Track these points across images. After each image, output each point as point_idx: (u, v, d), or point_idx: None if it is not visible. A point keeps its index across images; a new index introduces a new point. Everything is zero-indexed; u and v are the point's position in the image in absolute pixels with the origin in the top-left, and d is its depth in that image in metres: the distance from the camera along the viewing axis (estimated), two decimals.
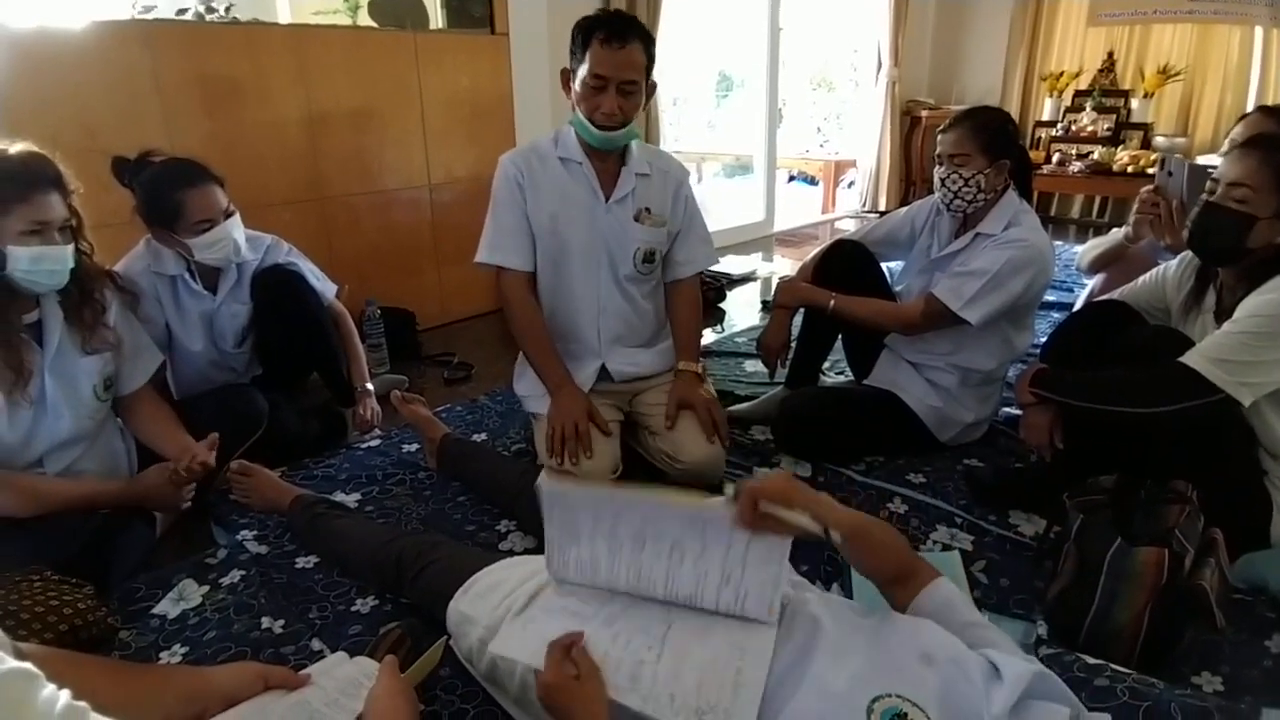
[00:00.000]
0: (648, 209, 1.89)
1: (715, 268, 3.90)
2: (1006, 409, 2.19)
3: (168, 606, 1.49)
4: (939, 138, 1.92)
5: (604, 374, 1.93)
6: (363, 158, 2.96)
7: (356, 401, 2.17)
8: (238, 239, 1.86)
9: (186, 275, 1.90)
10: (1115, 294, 1.82)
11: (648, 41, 1.72)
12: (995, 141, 1.84)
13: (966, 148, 1.84)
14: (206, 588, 1.55)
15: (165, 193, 1.77)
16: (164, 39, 2.42)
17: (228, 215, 1.84)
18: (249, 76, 2.59)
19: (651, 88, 1.82)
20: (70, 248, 1.49)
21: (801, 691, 0.84)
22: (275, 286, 2.01)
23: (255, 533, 1.73)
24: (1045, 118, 5.72)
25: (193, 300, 1.93)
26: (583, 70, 1.70)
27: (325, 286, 2.17)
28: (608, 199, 1.85)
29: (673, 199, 1.94)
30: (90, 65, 2.25)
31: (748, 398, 2.37)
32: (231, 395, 1.95)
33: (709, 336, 3.13)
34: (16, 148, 1.45)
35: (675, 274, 2.00)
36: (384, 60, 2.94)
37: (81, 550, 1.50)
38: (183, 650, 1.38)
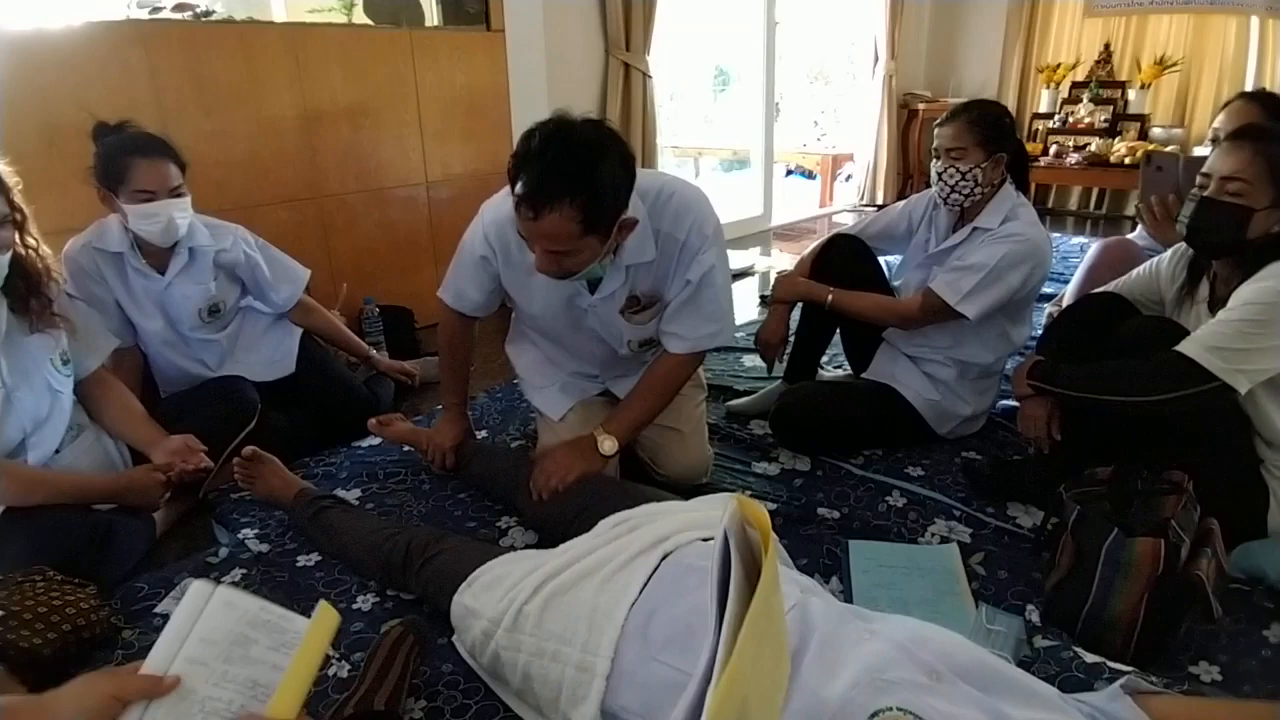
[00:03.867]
0: (637, 296, 1.65)
1: None
2: (1004, 401, 2.19)
3: (170, 606, 1.50)
4: (936, 131, 1.92)
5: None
6: (359, 156, 2.95)
7: (385, 371, 2.27)
8: (177, 220, 1.84)
9: (129, 252, 1.90)
10: (1110, 286, 1.83)
11: (588, 197, 1.32)
12: (992, 135, 1.84)
13: (963, 141, 1.84)
14: None
15: (118, 156, 1.79)
16: (160, 38, 2.41)
17: (174, 194, 1.83)
18: (245, 75, 2.59)
19: (626, 225, 1.45)
20: (4, 256, 1.49)
21: (790, 700, 0.82)
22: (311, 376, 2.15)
23: (257, 531, 1.74)
24: (1042, 110, 5.71)
25: (140, 279, 1.93)
26: None
27: (297, 275, 2.20)
28: (593, 292, 1.63)
29: (676, 274, 1.63)
30: (87, 65, 2.25)
31: (746, 392, 2.38)
32: (222, 387, 1.95)
33: None
34: None
35: (663, 342, 1.71)
36: (380, 58, 2.94)
37: (80, 546, 1.50)
38: None
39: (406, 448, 2.12)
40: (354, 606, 1.49)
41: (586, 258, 1.43)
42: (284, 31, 2.78)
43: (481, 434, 2.23)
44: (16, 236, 1.52)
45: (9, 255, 1.50)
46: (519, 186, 1.33)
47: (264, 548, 1.69)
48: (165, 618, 1.45)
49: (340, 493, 1.89)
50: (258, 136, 2.65)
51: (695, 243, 1.59)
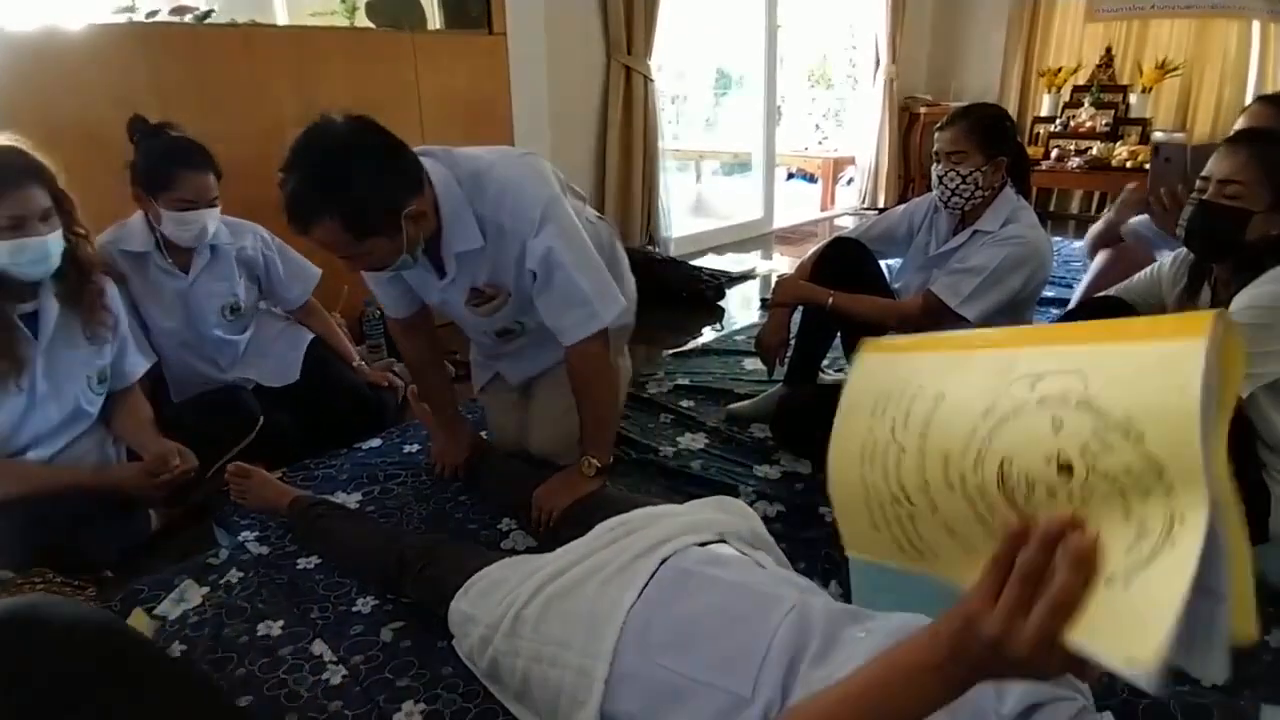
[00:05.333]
0: (478, 289, 1.62)
1: (714, 266, 3.93)
2: None
3: (169, 608, 1.49)
4: (936, 135, 1.92)
5: None
6: None
7: (367, 380, 2.27)
8: (209, 227, 1.91)
9: (155, 252, 1.92)
10: (1111, 290, 1.82)
11: (344, 207, 1.32)
12: (992, 138, 1.84)
13: (963, 145, 1.84)
14: (207, 589, 1.55)
15: (165, 164, 1.83)
16: (162, 42, 2.42)
17: (210, 204, 1.89)
18: (247, 78, 2.59)
19: (415, 216, 1.41)
20: (53, 236, 1.49)
21: (793, 700, 0.83)
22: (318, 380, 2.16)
23: (257, 534, 1.74)
24: (1043, 113, 5.71)
25: (165, 278, 1.95)
26: None
27: (309, 273, 2.23)
28: (441, 277, 1.62)
29: (516, 261, 1.56)
30: (89, 68, 2.25)
31: (746, 396, 2.38)
32: (224, 399, 1.97)
33: (708, 335, 3.14)
34: None
35: (558, 339, 1.64)
36: (382, 61, 2.94)
37: (66, 536, 1.51)
38: (182, 648, 1.39)
39: (408, 449, 2.12)
40: (354, 609, 1.49)
41: (381, 255, 1.42)
42: (286, 34, 2.79)
43: (481, 434, 2.22)
44: (65, 224, 1.53)
45: (62, 246, 1.52)
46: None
47: (264, 550, 1.68)
48: (163, 619, 1.46)
49: (341, 496, 1.89)
50: (260, 139, 2.64)
51: (522, 228, 1.52)
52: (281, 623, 1.45)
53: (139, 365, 1.78)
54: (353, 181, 1.31)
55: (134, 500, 1.68)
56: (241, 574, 1.60)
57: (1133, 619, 0.44)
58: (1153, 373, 0.43)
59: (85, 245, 1.60)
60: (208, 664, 1.35)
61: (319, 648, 1.39)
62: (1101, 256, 2.40)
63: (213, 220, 1.91)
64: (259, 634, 1.43)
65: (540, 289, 1.57)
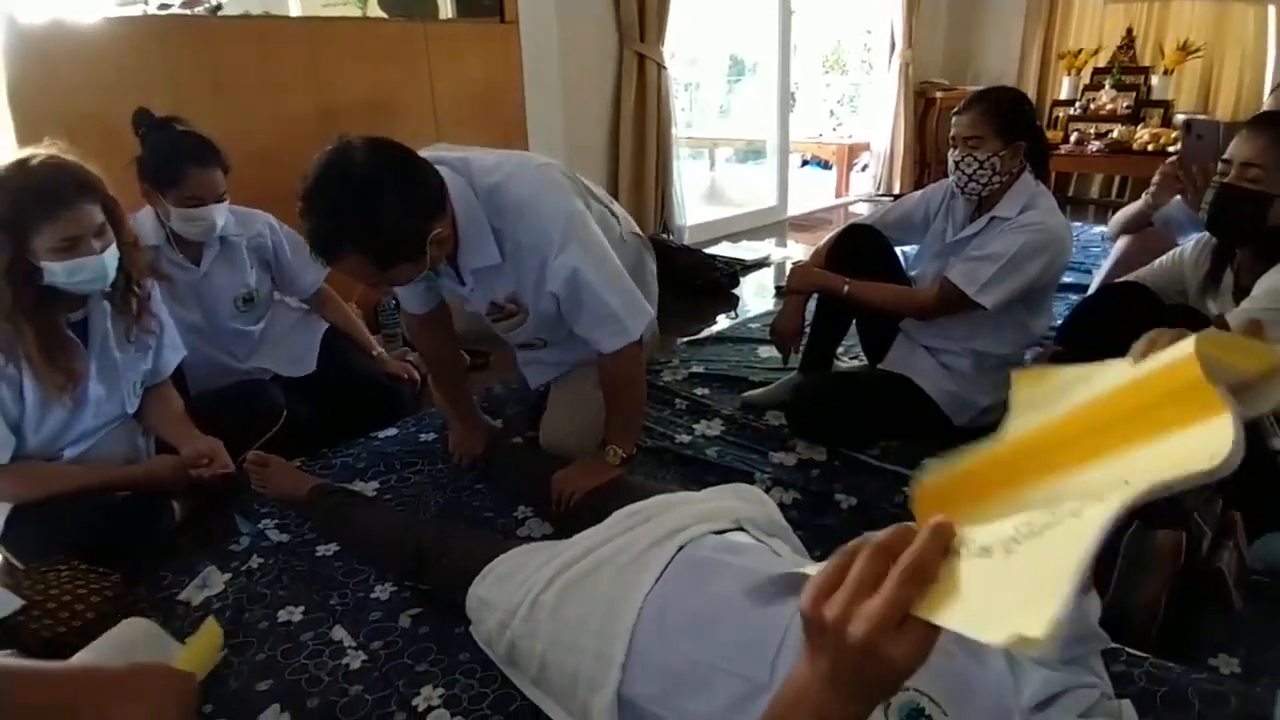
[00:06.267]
0: (497, 303, 1.63)
1: (728, 253, 3.92)
2: None
3: (192, 594, 1.52)
4: (953, 120, 1.90)
5: None
6: None
7: (387, 371, 2.27)
8: (217, 222, 1.92)
9: (165, 245, 1.94)
10: (1133, 276, 1.81)
11: (370, 242, 1.32)
12: (1010, 123, 1.82)
13: (981, 130, 1.82)
14: (229, 575, 1.57)
15: (173, 161, 1.83)
16: (176, 34, 2.43)
17: (219, 200, 1.89)
18: (261, 69, 2.60)
19: (438, 240, 1.40)
20: (109, 252, 1.48)
21: None
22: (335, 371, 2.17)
23: (277, 521, 1.76)
24: (1063, 97, 5.63)
25: (176, 271, 1.97)
26: None
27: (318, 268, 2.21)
28: (463, 284, 1.62)
29: (534, 282, 1.55)
30: (103, 61, 2.27)
31: (762, 383, 2.37)
32: (249, 391, 1.99)
33: (723, 323, 3.13)
34: (38, 158, 1.41)
35: (593, 347, 1.63)
36: (395, 51, 2.94)
37: (93, 531, 1.52)
38: None
39: (424, 438, 2.13)
40: (372, 596, 1.50)
41: (407, 276, 1.43)
42: (300, 26, 2.80)
43: (498, 423, 2.24)
44: (116, 233, 1.51)
45: (117, 259, 1.51)
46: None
47: (284, 537, 1.70)
48: (187, 605, 1.49)
49: (359, 484, 1.91)
50: (274, 131, 2.66)
51: (542, 246, 1.50)
52: (302, 609, 1.47)
53: (173, 359, 1.79)
54: (375, 215, 1.29)
55: (160, 491, 1.69)
56: (262, 560, 1.62)
57: (1016, 588, 0.40)
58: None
59: (135, 252, 1.58)
60: (229, 649, 1.37)
61: (338, 633, 1.41)
62: (1123, 242, 2.37)
63: (221, 215, 1.92)
64: (279, 620, 1.45)
65: (569, 308, 1.56)
